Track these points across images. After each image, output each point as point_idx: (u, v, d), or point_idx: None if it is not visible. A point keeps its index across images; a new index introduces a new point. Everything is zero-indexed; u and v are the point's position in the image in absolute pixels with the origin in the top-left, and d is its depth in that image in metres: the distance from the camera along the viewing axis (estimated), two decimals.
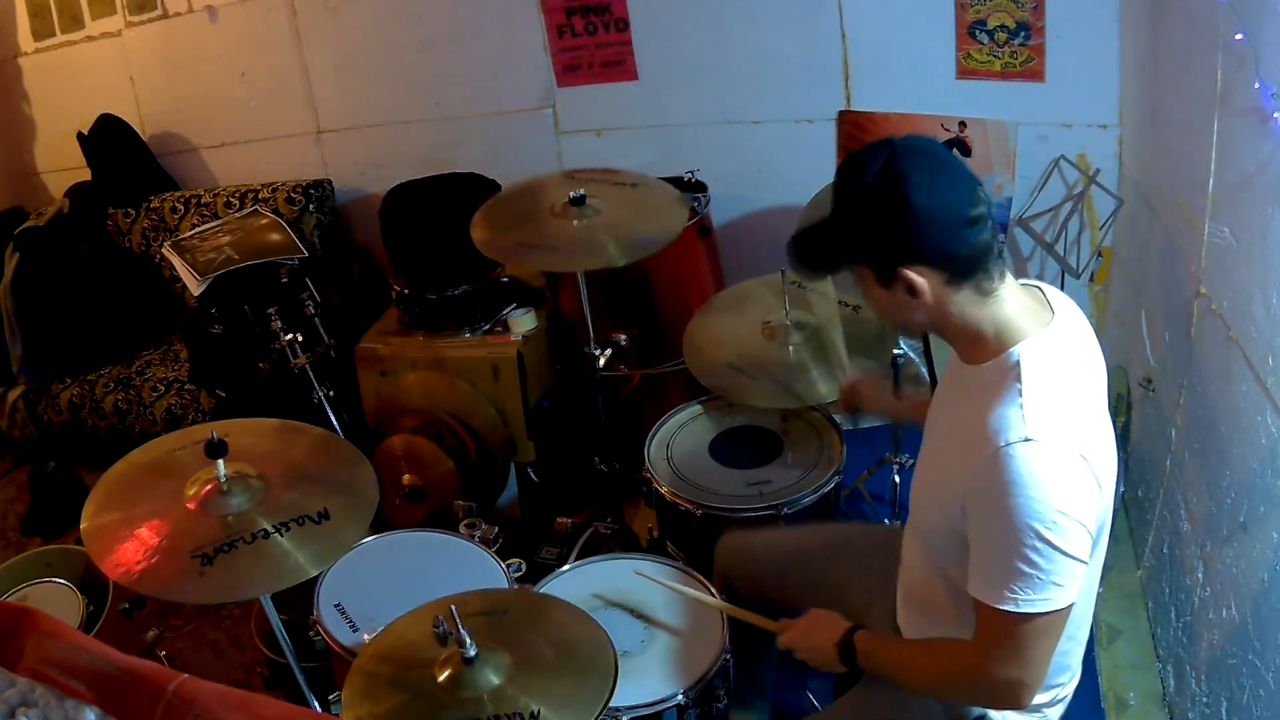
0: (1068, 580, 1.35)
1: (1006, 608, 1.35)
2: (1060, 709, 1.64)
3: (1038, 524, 1.31)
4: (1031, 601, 1.34)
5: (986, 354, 1.44)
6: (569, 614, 1.78)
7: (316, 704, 1.91)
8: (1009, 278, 1.44)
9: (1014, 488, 1.32)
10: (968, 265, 1.39)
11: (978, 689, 1.47)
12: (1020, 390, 1.37)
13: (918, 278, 1.39)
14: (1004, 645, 1.39)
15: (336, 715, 1.68)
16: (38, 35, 3.84)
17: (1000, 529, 1.34)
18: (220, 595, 1.67)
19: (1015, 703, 1.43)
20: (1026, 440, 1.33)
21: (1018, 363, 1.40)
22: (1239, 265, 1.89)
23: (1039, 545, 1.32)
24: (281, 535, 1.65)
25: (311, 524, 1.69)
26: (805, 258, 1.50)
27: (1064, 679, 1.60)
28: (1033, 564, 1.33)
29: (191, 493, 1.70)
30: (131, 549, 1.61)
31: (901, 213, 1.35)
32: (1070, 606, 1.37)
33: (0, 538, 3.42)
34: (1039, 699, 1.59)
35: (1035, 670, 1.40)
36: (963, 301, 1.41)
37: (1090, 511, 1.36)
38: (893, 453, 2.73)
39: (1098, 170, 2.92)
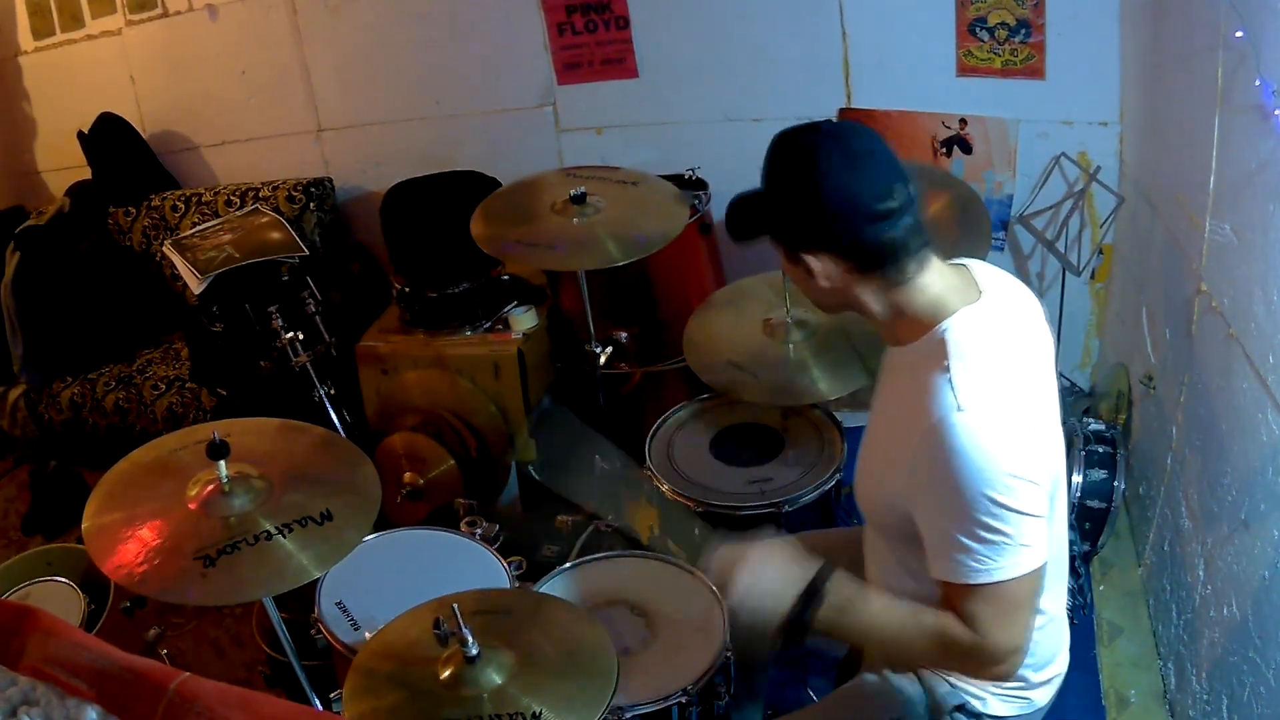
0: (1033, 539, 1.34)
1: (980, 580, 1.34)
2: (1047, 693, 1.62)
3: (989, 490, 1.31)
4: (1002, 568, 1.33)
5: (914, 334, 1.45)
6: (571, 614, 1.77)
7: (318, 702, 1.91)
8: (933, 262, 1.44)
9: (957, 458, 1.31)
10: (873, 258, 1.40)
11: (968, 662, 1.45)
12: (948, 365, 1.37)
13: (815, 262, 1.42)
14: (991, 617, 1.36)
15: (338, 713, 1.68)
16: (38, 34, 3.84)
17: (952, 504, 1.33)
18: (223, 597, 1.66)
19: (1007, 673, 1.42)
20: (959, 410, 1.33)
21: (944, 339, 1.40)
22: (1240, 262, 1.89)
23: (996, 510, 1.31)
24: (284, 536, 1.65)
25: (314, 525, 1.68)
26: (731, 221, 1.52)
27: (1037, 657, 1.56)
28: (994, 529, 1.32)
29: (193, 493, 1.70)
30: (133, 550, 1.61)
31: (806, 199, 1.38)
32: (1043, 568, 1.37)
33: (1, 536, 3.42)
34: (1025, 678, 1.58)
35: (1024, 634, 1.39)
36: (874, 289, 1.43)
37: (1036, 468, 1.35)
38: None
39: (1098, 168, 2.92)
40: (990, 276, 1.51)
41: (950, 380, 1.35)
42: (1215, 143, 2.00)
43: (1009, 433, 1.34)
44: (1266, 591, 1.76)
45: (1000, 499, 1.31)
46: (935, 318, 1.42)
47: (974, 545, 1.33)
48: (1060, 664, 1.64)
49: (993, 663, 1.41)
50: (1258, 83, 1.73)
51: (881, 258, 1.40)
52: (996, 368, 1.39)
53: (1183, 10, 2.28)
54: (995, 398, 1.35)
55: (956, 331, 1.40)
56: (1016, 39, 2.88)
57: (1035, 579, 1.37)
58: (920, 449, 1.35)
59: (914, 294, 1.43)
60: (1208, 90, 2.01)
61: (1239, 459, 1.90)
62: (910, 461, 1.38)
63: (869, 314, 1.48)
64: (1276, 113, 1.67)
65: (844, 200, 1.37)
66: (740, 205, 1.52)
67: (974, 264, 1.53)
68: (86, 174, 3.78)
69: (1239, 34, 1.81)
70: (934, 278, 1.43)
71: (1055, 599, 1.58)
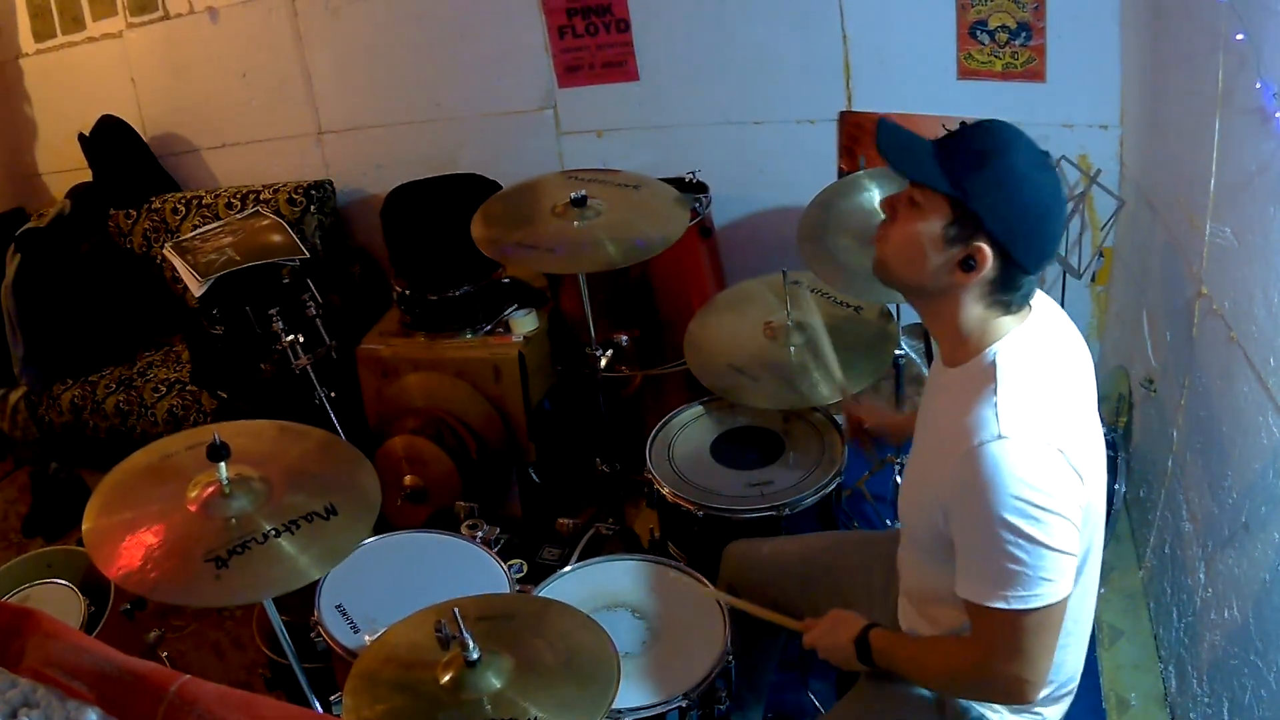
0: (1057, 575, 1.35)
1: (997, 605, 1.36)
2: (1060, 709, 1.63)
3: (1017, 519, 1.32)
4: (1022, 598, 1.35)
5: (967, 355, 1.46)
6: (572, 619, 1.77)
7: (318, 705, 1.91)
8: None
9: (990, 485, 1.33)
10: (1020, 284, 1.42)
11: (982, 686, 1.49)
12: (995, 389, 1.39)
13: (985, 253, 1.38)
14: (1001, 643, 1.40)
15: (338, 716, 1.68)
16: (39, 36, 3.84)
17: (981, 527, 1.35)
18: (236, 598, 1.65)
19: (1021, 698, 1.43)
20: (1000, 438, 1.34)
21: (994, 362, 1.42)
22: (1240, 265, 1.89)
23: (1020, 541, 1.33)
24: (293, 533, 1.64)
25: (320, 520, 1.68)
26: (909, 153, 1.43)
27: (1057, 677, 1.58)
28: (1018, 560, 1.33)
29: (193, 495, 1.69)
30: (137, 554, 1.60)
31: (1039, 205, 1.38)
32: (1065, 601, 1.37)
33: (2, 538, 3.42)
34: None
35: (1037, 666, 1.40)
36: (984, 306, 1.44)
37: (1073, 504, 1.36)
38: (894, 453, 2.73)
39: (1099, 171, 2.91)
40: (1036, 296, 1.52)
41: (996, 405, 1.37)
42: (1216, 145, 2.00)
43: (1046, 463, 1.35)
44: (1267, 594, 1.76)
45: (1027, 530, 1.32)
46: (989, 339, 1.44)
47: (994, 571, 1.35)
48: (1075, 680, 1.64)
49: (997, 687, 1.44)
50: (1258, 85, 1.73)
51: (1024, 289, 1.43)
52: (1043, 393, 1.41)
53: (1183, 13, 2.28)
54: (1038, 425, 1.36)
55: (1006, 355, 1.42)
56: (1017, 42, 2.88)
57: (1053, 614, 1.37)
58: (959, 469, 1.37)
59: (989, 322, 1.45)
60: (1208, 93, 2.01)
61: (1240, 462, 1.90)
62: (949, 480, 1.39)
63: (946, 322, 1.47)
64: (1277, 115, 1.67)
65: (1054, 235, 1.40)
66: (918, 142, 1.44)
67: None
68: (87, 176, 3.79)
69: (1239, 36, 1.81)
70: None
71: (1084, 618, 1.58)
